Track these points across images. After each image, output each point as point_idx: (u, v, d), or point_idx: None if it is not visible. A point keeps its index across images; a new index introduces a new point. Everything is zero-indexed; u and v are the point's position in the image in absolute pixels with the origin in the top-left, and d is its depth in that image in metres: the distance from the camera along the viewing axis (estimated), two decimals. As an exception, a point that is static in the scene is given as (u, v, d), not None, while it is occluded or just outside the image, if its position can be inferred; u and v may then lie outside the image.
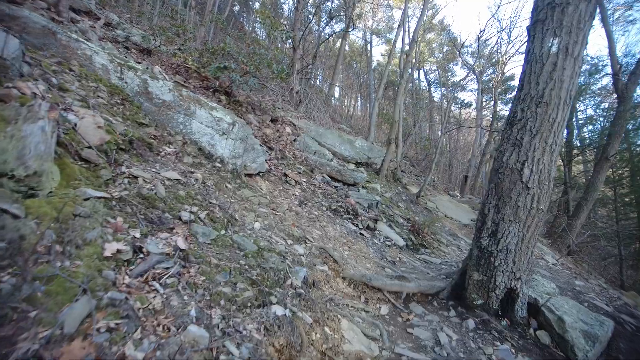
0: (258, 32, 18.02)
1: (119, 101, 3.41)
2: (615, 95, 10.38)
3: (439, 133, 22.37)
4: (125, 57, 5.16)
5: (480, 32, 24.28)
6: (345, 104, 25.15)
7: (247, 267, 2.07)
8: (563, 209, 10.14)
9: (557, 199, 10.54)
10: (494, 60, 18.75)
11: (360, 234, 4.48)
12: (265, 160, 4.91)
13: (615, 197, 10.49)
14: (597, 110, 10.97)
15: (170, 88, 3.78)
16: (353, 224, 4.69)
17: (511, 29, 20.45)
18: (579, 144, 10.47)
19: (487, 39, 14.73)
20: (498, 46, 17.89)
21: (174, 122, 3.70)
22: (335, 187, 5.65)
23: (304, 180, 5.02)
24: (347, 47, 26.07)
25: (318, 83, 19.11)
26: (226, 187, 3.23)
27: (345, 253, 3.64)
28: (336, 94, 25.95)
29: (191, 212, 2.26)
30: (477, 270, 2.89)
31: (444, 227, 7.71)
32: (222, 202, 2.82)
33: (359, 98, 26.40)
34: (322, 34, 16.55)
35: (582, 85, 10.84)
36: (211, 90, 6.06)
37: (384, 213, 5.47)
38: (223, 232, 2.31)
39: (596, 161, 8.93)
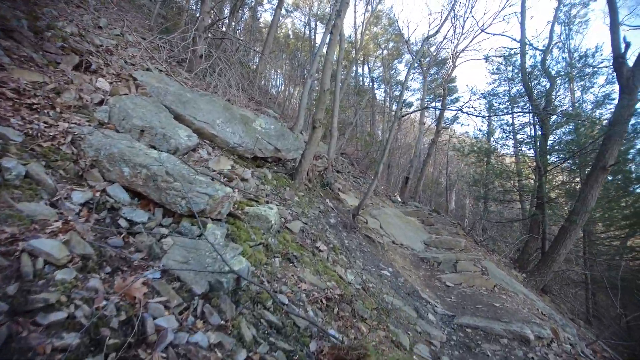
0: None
1: None
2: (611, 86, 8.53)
3: (379, 132, 19.95)
4: None
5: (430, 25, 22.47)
6: (287, 94, 21.14)
7: None
8: (539, 230, 7.86)
9: (529, 215, 8.30)
10: (439, 58, 16.77)
11: None
12: None
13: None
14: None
15: None
16: None
17: (465, 19, 18.54)
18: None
19: (435, 34, 12.47)
20: (452, 38, 15.79)
21: None
22: (129, 224, 1.81)
23: None
24: (290, 34, 22.00)
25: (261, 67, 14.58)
26: None
27: None
28: (276, 82, 21.78)
29: None
30: None
31: (397, 272, 4.47)
32: None
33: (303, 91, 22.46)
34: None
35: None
36: None
37: (251, 311, 1.83)
38: None
39: (589, 172, 6.67)
